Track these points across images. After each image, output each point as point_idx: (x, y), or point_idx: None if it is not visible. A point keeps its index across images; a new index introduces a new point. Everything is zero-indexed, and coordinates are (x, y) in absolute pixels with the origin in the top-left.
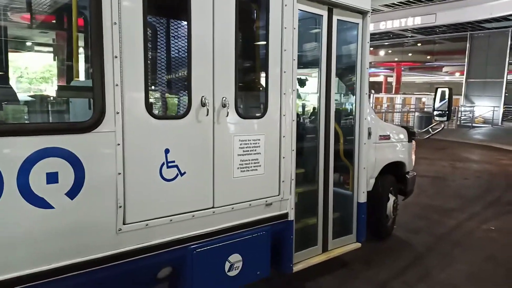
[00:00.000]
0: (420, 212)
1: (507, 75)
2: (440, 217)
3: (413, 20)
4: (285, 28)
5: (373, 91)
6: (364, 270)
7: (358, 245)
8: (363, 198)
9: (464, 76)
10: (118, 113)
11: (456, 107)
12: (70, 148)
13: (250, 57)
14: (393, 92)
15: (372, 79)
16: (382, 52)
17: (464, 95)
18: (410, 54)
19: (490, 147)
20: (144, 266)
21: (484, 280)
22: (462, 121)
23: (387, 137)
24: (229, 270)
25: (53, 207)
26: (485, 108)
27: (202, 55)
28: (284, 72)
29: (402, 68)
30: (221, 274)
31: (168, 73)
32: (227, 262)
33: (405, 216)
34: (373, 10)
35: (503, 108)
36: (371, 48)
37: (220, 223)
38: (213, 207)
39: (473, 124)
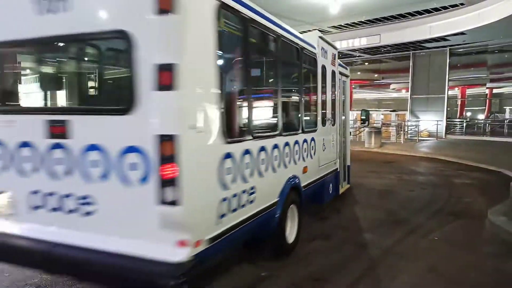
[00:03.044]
0: (367, 225)
1: (447, 91)
2: (387, 230)
3: (360, 40)
4: (338, 87)
5: None
6: (313, 287)
7: (348, 185)
8: (349, 163)
9: (409, 93)
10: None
11: (403, 122)
12: (314, 136)
13: (331, 101)
14: None
15: None
16: None
17: (409, 111)
18: (359, 73)
19: (435, 159)
20: (319, 185)
21: None
22: (408, 135)
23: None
24: (329, 190)
25: (312, 158)
26: (430, 122)
27: (326, 102)
28: (341, 105)
29: (353, 86)
30: (328, 191)
31: (323, 109)
32: (328, 187)
33: (353, 229)
34: (322, 31)
35: (446, 121)
36: None
37: (323, 172)
38: (329, 163)
39: (419, 138)
